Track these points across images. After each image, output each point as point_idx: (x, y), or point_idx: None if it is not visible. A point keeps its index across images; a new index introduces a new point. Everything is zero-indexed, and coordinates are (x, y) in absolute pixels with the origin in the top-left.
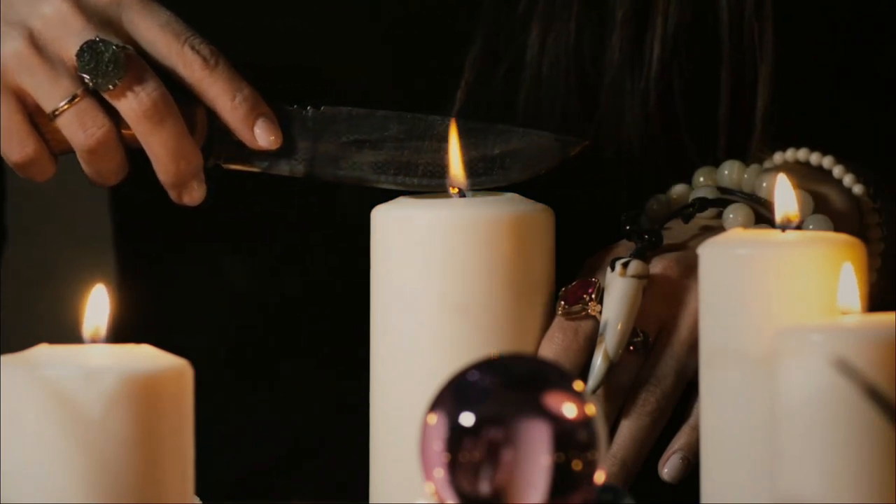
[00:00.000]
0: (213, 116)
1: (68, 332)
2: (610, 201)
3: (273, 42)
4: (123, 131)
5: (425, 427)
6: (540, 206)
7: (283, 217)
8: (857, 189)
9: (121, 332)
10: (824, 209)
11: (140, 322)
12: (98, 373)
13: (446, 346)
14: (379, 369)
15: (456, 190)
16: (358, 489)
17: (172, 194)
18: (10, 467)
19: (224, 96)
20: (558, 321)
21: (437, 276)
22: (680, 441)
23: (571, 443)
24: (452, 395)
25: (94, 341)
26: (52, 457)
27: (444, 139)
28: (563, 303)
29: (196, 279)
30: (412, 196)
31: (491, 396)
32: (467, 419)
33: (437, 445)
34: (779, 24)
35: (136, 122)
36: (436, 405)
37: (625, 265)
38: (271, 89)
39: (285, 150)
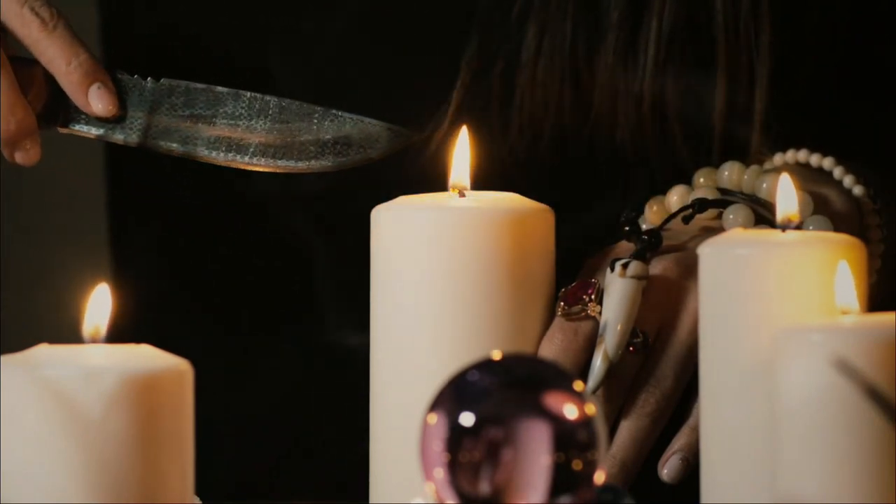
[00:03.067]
0: (53, 80)
1: (68, 332)
2: (609, 201)
3: (271, 40)
4: None
5: (425, 427)
6: (540, 206)
7: (282, 217)
8: (858, 190)
9: (121, 330)
10: (824, 210)
11: (140, 320)
12: (98, 373)
13: (446, 346)
14: (379, 369)
15: (456, 190)
16: (358, 489)
17: (5, 152)
18: (10, 467)
19: (59, 59)
20: (558, 322)
21: (437, 276)
22: (680, 442)
23: (571, 443)
24: (452, 395)
25: (94, 341)
26: (52, 457)
27: (278, 120)
28: (562, 303)
29: (196, 277)
30: (412, 196)
31: (491, 396)
32: (467, 419)
33: (437, 445)
34: (776, 24)
35: None
36: (436, 405)
37: (624, 266)
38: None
39: (120, 119)
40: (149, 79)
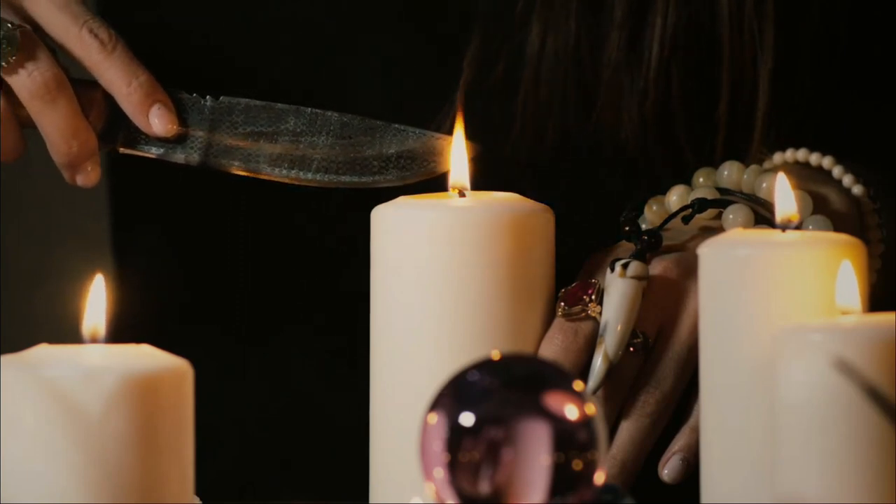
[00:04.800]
0: (112, 101)
1: (67, 332)
2: (609, 201)
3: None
4: (18, 110)
5: (425, 427)
6: (540, 206)
7: (283, 217)
8: (857, 190)
9: (121, 330)
10: (824, 210)
11: (140, 320)
12: (98, 373)
13: (446, 346)
14: (379, 369)
15: (456, 190)
16: (358, 489)
17: (66, 175)
18: (10, 467)
19: (120, 81)
20: (558, 322)
21: (437, 276)
22: (680, 442)
23: (571, 443)
24: (452, 395)
25: (93, 341)
26: (52, 457)
27: (340, 136)
28: (562, 304)
29: (197, 276)
30: (412, 196)
31: (491, 396)
32: (467, 419)
33: (437, 445)
34: (779, 23)
35: (28, 100)
36: (436, 405)
37: (624, 266)
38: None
39: (181, 139)
40: (208, 97)
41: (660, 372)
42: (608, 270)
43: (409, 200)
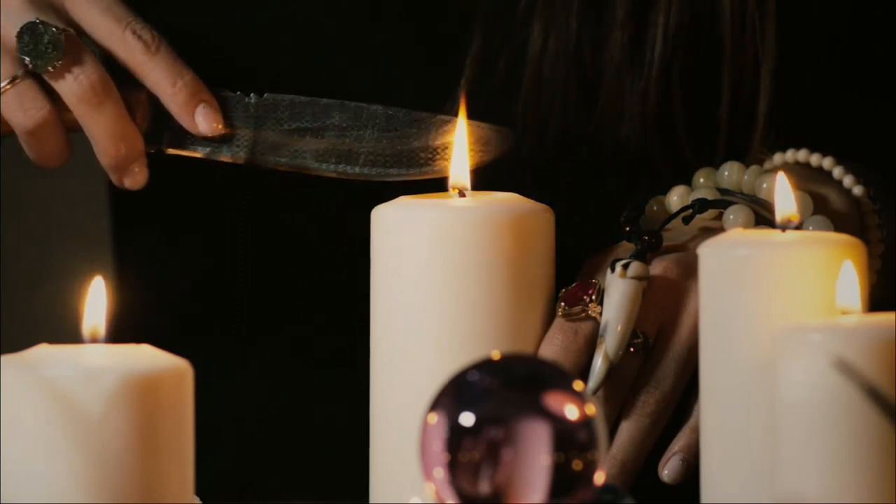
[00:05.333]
0: (156, 101)
1: (67, 332)
2: (610, 201)
3: (270, 38)
4: (64, 114)
5: (425, 427)
6: (540, 206)
7: (283, 217)
8: (858, 190)
9: (121, 330)
10: (824, 210)
11: (140, 319)
12: (98, 373)
13: (446, 346)
14: (379, 369)
15: (456, 190)
16: (358, 489)
17: (113, 178)
18: (10, 467)
19: (165, 82)
20: (558, 322)
21: (437, 276)
22: (680, 442)
23: (571, 443)
24: (452, 395)
25: (93, 341)
26: (52, 457)
27: (386, 129)
28: (563, 304)
29: (197, 276)
30: (412, 196)
31: (491, 396)
32: (467, 419)
33: (437, 445)
34: (780, 23)
35: (75, 104)
36: (436, 405)
37: (625, 266)
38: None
39: (227, 137)
40: (252, 95)
41: (660, 372)
42: (608, 271)
43: (409, 200)
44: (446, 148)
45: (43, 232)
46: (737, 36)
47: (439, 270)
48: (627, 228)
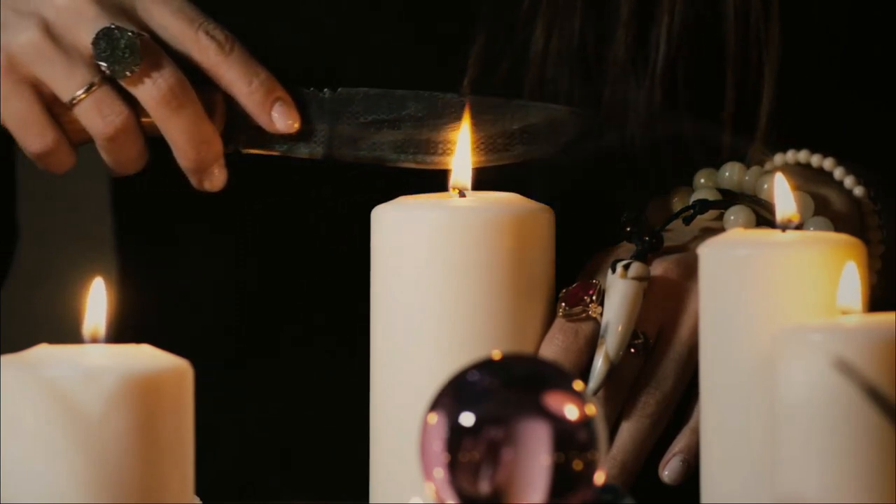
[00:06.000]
0: (231, 101)
1: (67, 332)
2: (611, 201)
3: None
4: (142, 119)
5: (425, 427)
6: (540, 206)
7: (283, 217)
8: (858, 191)
9: (122, 330)
10: (825, 211)
11: (141, 319)
12: (98, 373)
13: (446, 346)
14: (379, 369)
15: (456, 190)
16: (358, 489)
17: (193, 180)
18: (10, 467)
19: (240, 81)
20: (559, 322)
21: (437, 276)
22: (680, 443)
23: (571, 443)
24: (452, 395)
25: (93, 341)
26: (52, 457)
27: (461, 120)
28: (563, 304)
29: (197, 276)
30: (412, 196)
31: (491, 396)
32: (467, 419)
33: (437, 445)
34: (784, 23)
35: (154, 108)
36: (436, 405)
37: (625, 267)
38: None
39: (303, 133)
40: (325, 90)
41: (660, 373)
42: (609, 271)
43: (409, 200)
44: (523, 132)
45: (43, 232)
46: (741, 36)
47: (439, 270)
48: (628, 229)
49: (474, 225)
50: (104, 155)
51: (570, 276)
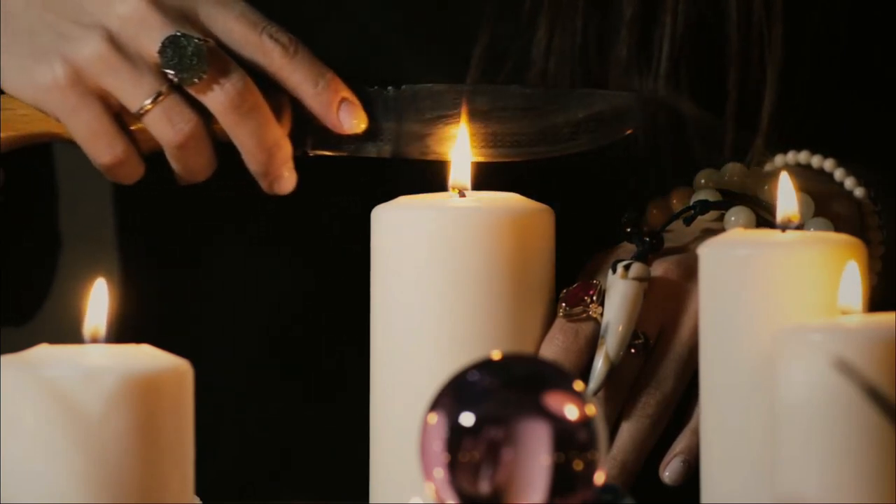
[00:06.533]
0: (295, 103)
1: (67, 332)
2: (611, 202)
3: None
4: (212, 127)
5: (425, 427)
6: (540, 206)
7: (283, 217)
8: (859, 192)
9: (124, 330)
10: (826, 212)
11: (141, 320)
12: (98, 373)
13: (446, 346)
14: (379, 369)
15: (456, 190)
16: (358, 489)
17: (263, 184)
18: (10, 467)
19: (306, 83)
20: (559, 323)
21: (437, 276)
22: (681, 444)
23: (571, 443)
24: (452, 395)
25: (94, 341)
26: (52, 457)
27: (527, 107)
28: (563, 304)
29: (195, 278)
30: (412, 196)
31: (491, 396)
32: (467, 419)
33: (437, 445)
34: (788, 24)
35: (223, 114)
36: (436, 405)
37: (626, 267)
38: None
39: (370, 132)
40: (390, 88)
41: (661, 373)
42: (609, 271)
43: (409, 200)
44: (588, 121)
45: (45, 232)
46: (743, 36)
47: (439, 270)
48: (629, 229)
49: (474, 225)
50: (174, 163)
51: (571, 276)
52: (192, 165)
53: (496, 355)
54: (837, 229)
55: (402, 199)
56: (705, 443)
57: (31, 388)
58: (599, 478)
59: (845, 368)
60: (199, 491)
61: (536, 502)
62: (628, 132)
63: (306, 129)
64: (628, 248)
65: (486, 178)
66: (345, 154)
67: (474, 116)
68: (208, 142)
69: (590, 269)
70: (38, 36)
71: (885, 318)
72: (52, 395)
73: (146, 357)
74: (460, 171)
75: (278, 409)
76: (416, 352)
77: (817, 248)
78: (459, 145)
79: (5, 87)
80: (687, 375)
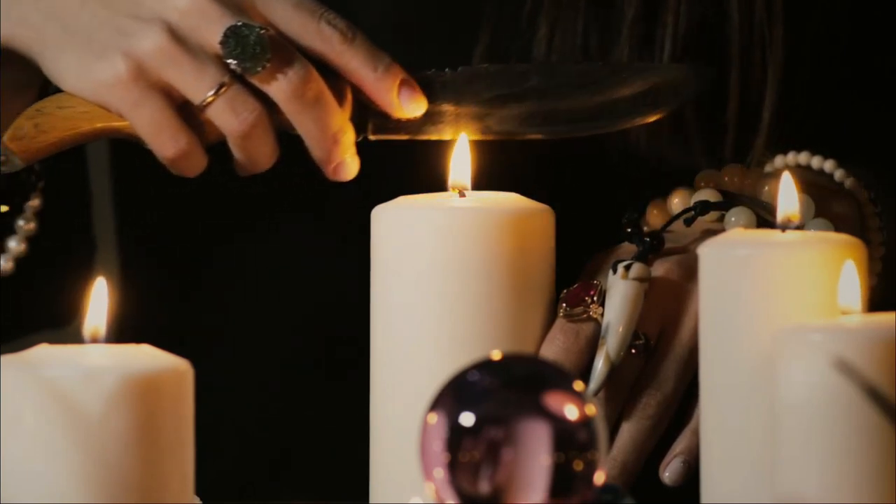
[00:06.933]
0: (355, 89)
1: (68, 332)
2: (612, 202)
3: None
4: (276, 116)
5: (425, 427)
6: (540, 206)
7: (283, 217)
8: (859, 193)
9: (123, 330)
10: (825, 213)
11: (141, 320)
12: (98, 373)
13: (446, 346)
14: (379, 369)
15: (456, 190)
16: (358, 489)
17: (327, 171)
18: (10, 467)
19: (365, 68)
20: (559, 323)
21: (437, 276)
22: (681, 445)
23: (571, 443)
24: (452, 395)
25: (94, 341)
26: (52, 457)
27: (584, 84)
28: (564, 305)
29: (195, 278)
30: (412, 196)
31: (491, 396)
32: (467, 419)
33: (437, 445)
34: (788, 24)
35: (286, 102)
36: (436, 405)
37: (626, 268)
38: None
39: (430, 115)
40: (447, 70)
41: (661, 374)
42: (610, 272)
43: (409, 200)
44: (645, 94)
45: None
46: (745, 36)
47: (439, 270)
48: (629, 230)
49: (474, 225)
50: (238, 153)
51: (571, 277)
52: (255, 155)
53: (496, 355)
54: (837, 230)
55: (402, 199)
56: (705, 443)
57: (31, 388)
58: (599, 478)
59: (845, 368)
60: (199, 491)
61: (536, 502)
62: (684, 103)
63: (366, 114)
64: (629, 248)
65: (486, 178)
66: (405, 137)
67: (531, 95)
68: (271, 131)
69: (590, 270)
70: (97, 33)
71: (885, 318)
72: (52, 395)
73: (146, 357)
74: (460, 171)
75: (278, 409)
76: (416, 352)
77: (817, 248)
78: (459, 145)
79: (65, 86)
80: (687, 376)
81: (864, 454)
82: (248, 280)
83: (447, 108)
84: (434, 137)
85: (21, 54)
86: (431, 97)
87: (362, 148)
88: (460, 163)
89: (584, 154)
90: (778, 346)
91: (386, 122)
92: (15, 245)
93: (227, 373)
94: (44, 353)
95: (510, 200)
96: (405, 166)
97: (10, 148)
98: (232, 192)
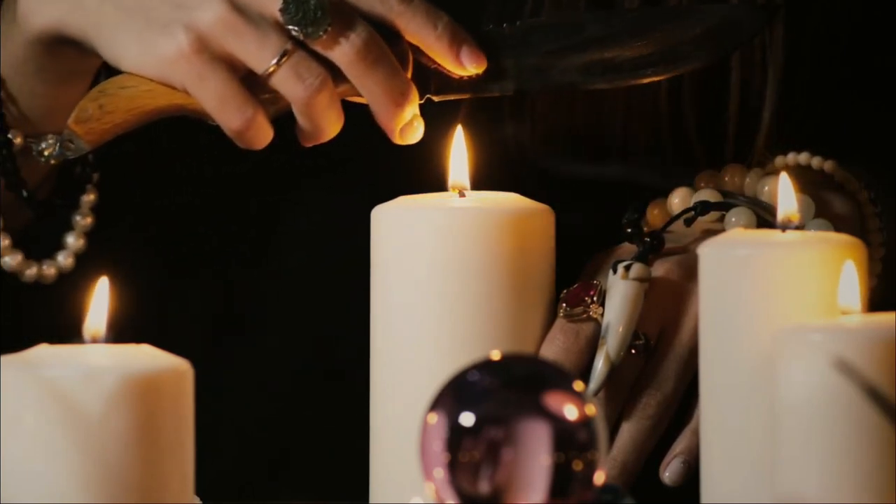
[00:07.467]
0: (415, 51)
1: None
2: (612, 202)
3: None
4: (338, 84)
5: (425, 427)
6: (540, 206)
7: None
8: (859, 194)
9: (123, 330)
10: (826, 213)
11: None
12: (98, 373)
13: (446, 346)
14: (379, 369)
15: (456, 190)
16: (358, 489)
17: (393, 135)
18: (10, 467)
19: (425, 28)
20: (559, 323)
21: (437, 276)
22: (681, 445)
23: (571, 443)
24: (452, 395)
25: (94, 341)
26: (52, 457)
27: (643, 30)
28: (564, 305)
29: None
30: (412, 196)
31: (491, 396)
32: (467, 419)
33: (437, 445)
34: (789, 24)
35: (349, 66)
36: (436, 405)
37: (627, 268)
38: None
39: (491, 71)
40: (505, 25)
41: (661, 374)
42: (610, 272)
43: (409, 200)
44: (707, 36)
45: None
46: None
47: (439, 270)
48: (629, 230)
49: (474, 225)
50: (303, 121)
51: (571, 277)
52: (321, 122)
53: (496, 355)
54: (837, 230)
55: (402, 199)
56: (705, 443)
57: (31, 388)
58: (599, 478)
59: (845, 368)
60: (199, 491)
61: (536, 502)
62: (744, 42)
63: (428, 74)
64: (629, 248)
65: (486, 178)
66: (468, 96)
67: (591, 45)
68: (336, 97)
69: (590, 270)
70: (154, 10)
71: (885, 318)
72: (52, 395)
73: (146, 357)
74: (460, 171)
75: (277, 408)
76: (416, 352)
77: (817, 248)
78: (458, 146)
79: (126, 66)
80: (687, 376)
81: (864, 454)
82: (248, 280)
83: (507, 63)
84: (497, 94)
85: (76, 40)
86: (491, 53)
87: (362, 148)
88: (457, 157)
89: (584, 154)
90: (778, 346)
91: (448, 81)
92: (73, 241)
93: (226, 373)
94: (44, 353)
95: (510, 200)
96: (405, 166)
97: (76, 131)
98: (229, 194)
